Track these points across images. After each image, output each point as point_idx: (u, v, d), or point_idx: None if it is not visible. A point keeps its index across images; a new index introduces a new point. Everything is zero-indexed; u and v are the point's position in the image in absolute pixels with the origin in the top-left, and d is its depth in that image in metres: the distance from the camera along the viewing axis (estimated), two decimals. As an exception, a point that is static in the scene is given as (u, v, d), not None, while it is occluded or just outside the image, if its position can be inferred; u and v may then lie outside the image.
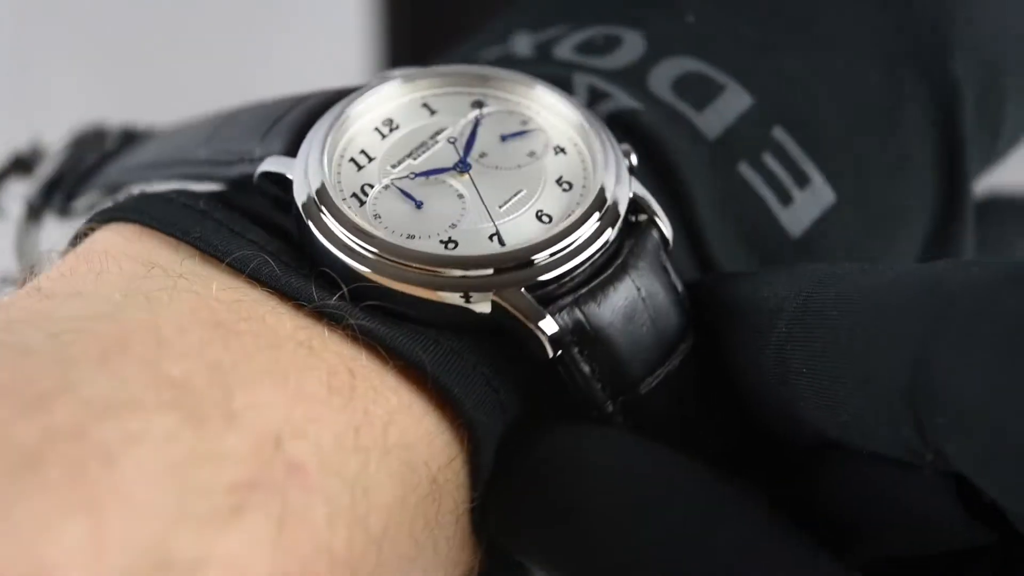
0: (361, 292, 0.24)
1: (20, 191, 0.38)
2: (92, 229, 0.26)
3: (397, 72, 0.27)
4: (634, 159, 0.26)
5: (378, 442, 0.22)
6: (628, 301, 0.24)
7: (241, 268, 0.23)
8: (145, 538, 0.18)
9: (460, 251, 0.24)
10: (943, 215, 0.30)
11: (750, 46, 0.29)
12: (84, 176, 0.36)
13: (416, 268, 0.23)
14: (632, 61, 0.29)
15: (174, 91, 0.73)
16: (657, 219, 0.25)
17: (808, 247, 0.29)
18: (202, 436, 0.19)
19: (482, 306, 0.23)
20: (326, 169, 0.24)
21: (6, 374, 0.19)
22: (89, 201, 0.35)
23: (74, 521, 0.17)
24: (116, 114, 0.73)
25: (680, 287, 0.25)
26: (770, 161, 0.28)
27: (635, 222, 0.25)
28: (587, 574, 0.22)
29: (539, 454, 0.23)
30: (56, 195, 0.36)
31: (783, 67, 0.29)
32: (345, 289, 0.23)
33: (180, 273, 0.23)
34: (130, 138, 0.36)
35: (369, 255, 0.24)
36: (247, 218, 0.25)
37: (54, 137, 0.40)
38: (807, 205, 0.29)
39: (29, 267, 0.33)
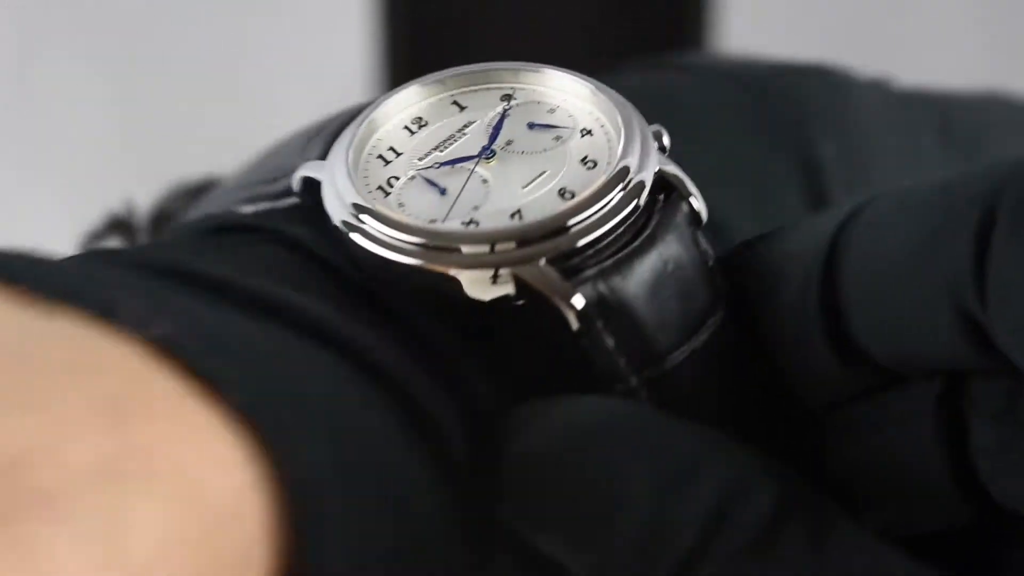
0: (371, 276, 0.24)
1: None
2: None
3: (428, 76, 0.28)
4: (666, 140, 0.26)
5: (143, 471, 0.20)
6: (654, 274, 0.24)
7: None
8: None
9: (482, 228, 0.24)
10: None
11: None
12: None
13: (433, 248, 0.24)
14: None
15: (175, 89, 0.73)
16: (689, 194, 0.25)
17: None
18: None
19: (505, 287, 0.23)
20: (350, 165, 0.25)
21: None
22: None
23: None
24: (117, 106, 0.73)
25: (711, 261, 0.25)
26: None
27: (665, 197, 0.25)
28: (610, 556, 0.21)
29: (560, 426, 0.22)
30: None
31: None
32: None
33: None
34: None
35: (388, 238, 0.24)
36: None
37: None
38: None
39: None
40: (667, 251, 0.24)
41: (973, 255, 0.20)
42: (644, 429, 0.22)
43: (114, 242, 0.37)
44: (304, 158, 0.26)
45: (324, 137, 0.27)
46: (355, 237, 0.24)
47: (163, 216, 0.36)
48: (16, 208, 0.71)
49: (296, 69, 0.72)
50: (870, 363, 0.23)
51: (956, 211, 0.21)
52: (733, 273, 0.25)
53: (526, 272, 0.23)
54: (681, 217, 0.25)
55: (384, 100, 0.27)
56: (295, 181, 0.26)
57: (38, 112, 0.73)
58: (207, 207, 0.30)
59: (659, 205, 0.25)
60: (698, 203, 0.25)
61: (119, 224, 0.37)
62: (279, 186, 0.26)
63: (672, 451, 0.22)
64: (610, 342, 0.23)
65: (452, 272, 0.24)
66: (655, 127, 0.26)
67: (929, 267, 0.21)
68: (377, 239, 0.24)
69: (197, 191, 0.36)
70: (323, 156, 0.26)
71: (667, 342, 0.24)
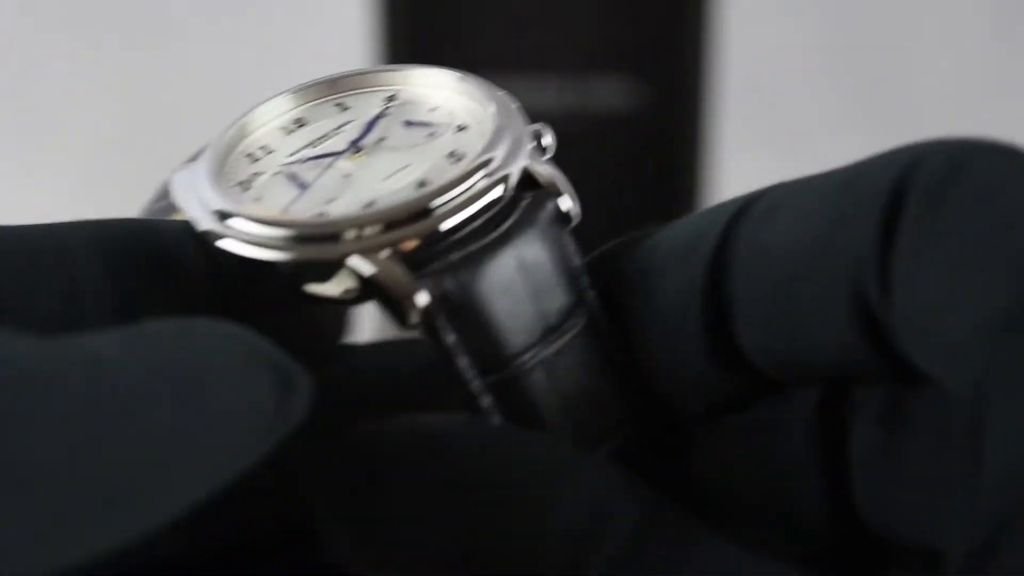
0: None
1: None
2: None
3: (312, 80, 0.27)
4: (547, 140, 0.24)
5: None
6: (505, 272, 0.23)
7: None
8: None
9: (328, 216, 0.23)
10: None
11: None
12: None
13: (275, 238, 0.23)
14: None
15: (175, 89, 0.73)
16: (558, 193, 0.24)
17: None
18: None
19: (347, 281, 0.22)
20: (214, 166, 0.24)
21: None
22: None
23: None
24: (118, 103, 0.74)
25: (576, 262, 0.24)
26: None
27: (532, 194, 0.24)
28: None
29: (386, 449, 0.20)
30: None
31: None
32: None
33: None
34: None
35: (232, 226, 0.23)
36: None
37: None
38: None
39: None
40: (525, 249, 0.23)
41: (878, 240, 0.19)
42: (487, 446, 0.20)
43: None
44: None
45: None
46: (212, 237, 0.23)
47: None
48: (16, 206, 0.71)
49: (296, 68, 0.72)
50: (751, 369, 0.22)
51: (861, 196, 0.20)
52: (605, 276, 0.24)
53: (368, 265, 0.22)
54: (545, 215, 0.24)
55: (261, 104, 0.26)
56: (168, 188, 0.25)
57: (38, 110, 0.73)
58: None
59: (524, 203, 0.24)
60: (568, 203, 0.24)
61: None
62: (166, 202, 0.25)
63: (520, 470, 0.20)
64: (451, 339, 0.22)
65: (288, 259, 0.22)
66: (537, 126, 0.25)
67: (829, 254, 0.20)
68: (230, 236, 0.23)
69: None
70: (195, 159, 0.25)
71: (515, 345, 0.23)
